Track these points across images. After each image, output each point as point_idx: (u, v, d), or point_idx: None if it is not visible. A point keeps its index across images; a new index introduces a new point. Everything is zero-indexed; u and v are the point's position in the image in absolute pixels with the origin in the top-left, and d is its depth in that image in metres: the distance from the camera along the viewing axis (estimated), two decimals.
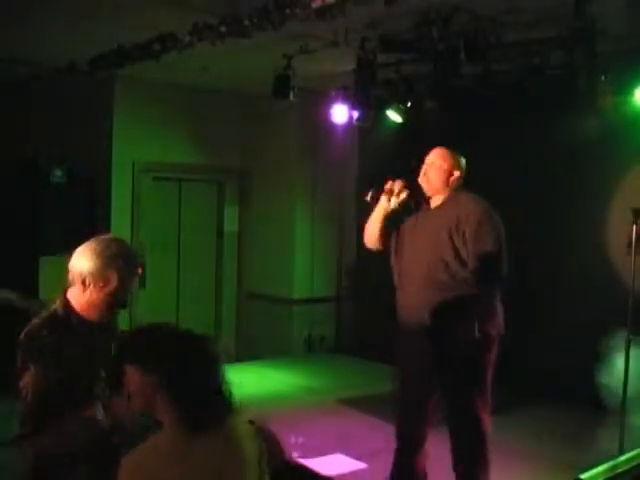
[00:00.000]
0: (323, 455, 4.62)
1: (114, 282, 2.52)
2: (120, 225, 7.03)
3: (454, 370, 3.63)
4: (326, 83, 6.42)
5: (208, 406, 1.98)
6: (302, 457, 4.48)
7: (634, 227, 4.43)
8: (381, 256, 4.02)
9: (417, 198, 3.84)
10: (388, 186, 3.82)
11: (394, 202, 3.82)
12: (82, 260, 2.52)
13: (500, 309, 3.72)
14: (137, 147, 7.11)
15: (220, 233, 8.11)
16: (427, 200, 3.85)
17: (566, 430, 5.14)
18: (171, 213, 7.77)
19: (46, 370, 2.39)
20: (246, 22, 4.44)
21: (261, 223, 8.09)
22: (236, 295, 8.19)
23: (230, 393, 2.06)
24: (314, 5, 4.05)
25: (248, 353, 7.82)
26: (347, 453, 4.71)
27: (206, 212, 8.06)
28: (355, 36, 4.98)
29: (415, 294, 3.71)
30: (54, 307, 2.58)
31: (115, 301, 2.57)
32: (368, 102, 5.77)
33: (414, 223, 3.83)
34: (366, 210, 4.04)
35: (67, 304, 2.56)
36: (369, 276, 7.71)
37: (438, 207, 3.79)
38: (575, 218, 5.86)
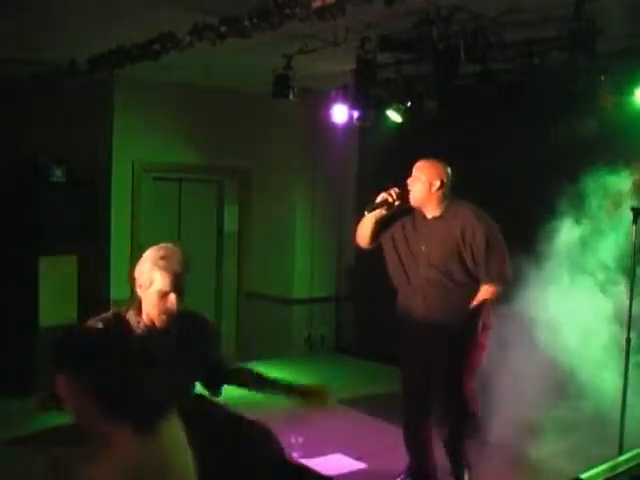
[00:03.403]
0: (323, 455, 4.62)
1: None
2: (120, 225, 7.03)
3: (454, 358, 3.98)
4: (326, 83, 6.42)
5: (144, 409, 1.89)
6: (302, 457, 4.48)
7: (634, 227, 4.42)
8: (378, 256, 4.17)
9: (406, 205, 4.11)
10: (384, 198, 4.05)
11: (387, 209, 4.09)
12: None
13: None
14: (137, 147, 7.11)
15: (220, 233, 8.11)
16: (415, 208, 4.13)
17: None
18: (171, 213, 7.77)
19: None
20: (246, 22, 4.44)
21: (261, 223, 8.09)
22: (236, 295, 8.19)
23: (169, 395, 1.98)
24: (314, 5, 4.05)
25: (248, 353, 7.82)
26: (347, 453, 4.71)
27: (206, 212, 8.06)
28: (355, 36, 4.97)
29: (429, 290, 4.01)
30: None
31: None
32: (368, 102, 5.78)
33: (412, 230, 4.12)
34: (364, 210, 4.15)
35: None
36: (369, 276, 7.72)
37: (437, 218, 4.07)
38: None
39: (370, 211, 4.11)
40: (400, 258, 4.14)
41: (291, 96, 5.74)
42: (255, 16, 4.36)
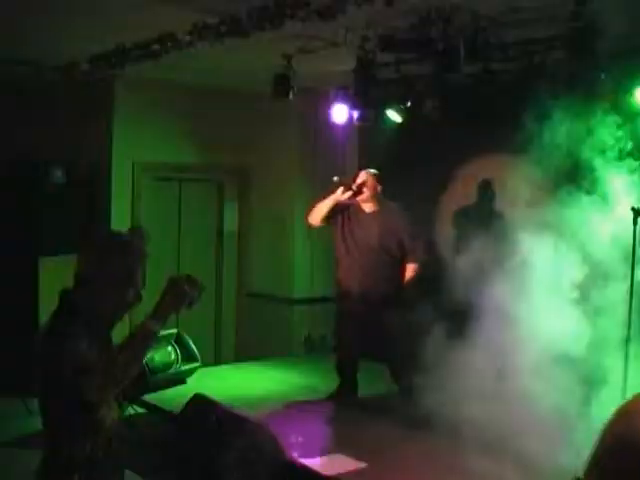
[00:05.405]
0: (323, 455, 4.61)
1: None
2: (120, 225, 7.00)
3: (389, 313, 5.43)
4: (326, 83, 6.42)
5: None
6: (302, 457, 4.48)
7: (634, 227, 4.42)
8: None
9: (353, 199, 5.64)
10: (348, 184, 5.56)
11: (345, 195, 5.55)
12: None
13: None
14: (137, 147, 7.11)
15: (220, 233, 8.10)
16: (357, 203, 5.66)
17: None
18: (171, 213, 7.77)
19: None
20: (246, 22, 4.44)
21: (261, 223, 8.08)
22: (236, 295, 8.19)
23: None
24: (314, 4, 4.06)
25: (248, 353, 7.81)
26: (347, 453, 4.70)
27: (206, 212, 8.06)
28: (355, 36, 4.98)
29: (365, 265, 5.58)
30: None
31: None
32: (368, 102, 5.78)
33: (355, 219, 5.66)
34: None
35: None
36: None
37: (375, 212, 5.67)
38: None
39: (339, 183, 5.55)
40: (345, 239, 5.65)
41: (291, 96, 5.73)
42: (255, 16, 4.36)
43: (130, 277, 2.38)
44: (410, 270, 5.64)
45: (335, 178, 5.59)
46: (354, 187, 5.55)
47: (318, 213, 5.67)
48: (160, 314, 2.36)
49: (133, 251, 2.43)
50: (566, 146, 5.57)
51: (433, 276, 5.55)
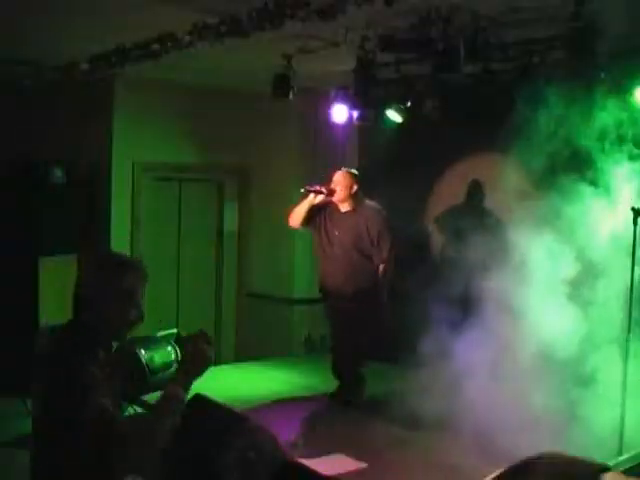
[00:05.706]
0: (323, 455, 4.61)
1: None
2: (120, 225, 7.03)
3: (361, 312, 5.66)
4: (326, 83, 6.42)
5: None
6: (302, 457, 4.48)
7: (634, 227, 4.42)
8: None
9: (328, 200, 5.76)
10: (317, 189, 5.67)
11: (317, 199, 5.69)
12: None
13: None
14: (137, 147, 7.10)
15: (220, 233, 8.10)
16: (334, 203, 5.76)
17: None
18: (171, 213, 7.77)
19: None
20: (246, 22, 4.44)
21: (261, 223, 8.09)
22: (236, 295, 8.19)
23: None
24: (314, 4, 4.06)
25: (248, 353, 7.81)
26: (347, 453, 4.71)
27: (206, 212, 8.06)
28: (355, 36, 4.98)
29: (340, 264, 5.71)
30: None
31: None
32: (368, 102, 5.79)
33: (330, 219, 5.77)
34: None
35: None
36: None
37: (350, 212, 5.74)
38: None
39: (307, 191, 5.70)
40: (321, 239, 5.79)
41: (291, 96, 5.74)
42: (255, 16, 4.36)
43: (131, 296, 2.37)
44: (381, 271, 5.73)
45: (302, 190, 5.75)
46: (324, 190, 5.65)
47: (296, 217, 5.81)
48: (183, 380, 2.37)
49: (133, 270, 2.41)
50: (565, 140, 5.60)
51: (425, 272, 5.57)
